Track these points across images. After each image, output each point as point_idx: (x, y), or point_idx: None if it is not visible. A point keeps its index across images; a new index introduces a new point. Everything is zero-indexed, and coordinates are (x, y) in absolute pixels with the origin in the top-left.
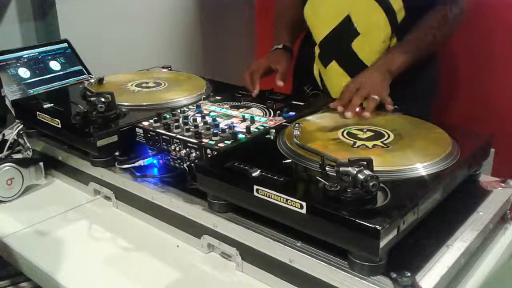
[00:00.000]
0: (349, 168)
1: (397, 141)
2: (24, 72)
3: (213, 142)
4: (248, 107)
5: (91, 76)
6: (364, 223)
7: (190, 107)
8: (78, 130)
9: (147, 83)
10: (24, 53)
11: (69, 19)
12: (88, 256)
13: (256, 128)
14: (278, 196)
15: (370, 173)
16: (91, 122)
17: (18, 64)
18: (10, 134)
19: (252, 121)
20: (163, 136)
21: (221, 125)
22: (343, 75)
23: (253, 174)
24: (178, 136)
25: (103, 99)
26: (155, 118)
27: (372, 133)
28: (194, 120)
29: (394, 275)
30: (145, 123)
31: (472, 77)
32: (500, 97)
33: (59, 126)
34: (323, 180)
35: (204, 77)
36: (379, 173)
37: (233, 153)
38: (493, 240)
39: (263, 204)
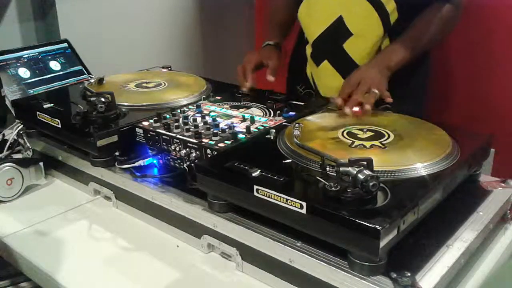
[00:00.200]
0: (349, 168)
1: (397, 141)
2: (24, 72)
3: (213, 142)
4: (248, 107)
5: (91, 76)
6: (364, 223)
7: (190, 107)
8: (78, 130)
9: (147, 83)
10: (24, 53)
11: (69, 19)
12: (88, 256)
13: (256, 128)
14: (278, 196)
15: (370, 173)
16: (91, 122)
17: (18, 64)
18: (10, 134)
19: (252, 121)
20: (163, 136)
21: (221, 125)
22: (334, 75)
23: (253, 174)
24: (178, 136)
25: (103, 99)
26: (155, 118)
27: (372, 133)
28: (194, 120)
29: (394, 275)
30: (145, 123)
31: (472, 77)
32: (500, 97)
33: (59, 126)
34: (323, 180)
35: (204, 77)
36: (379, 173)
37: (233, 153)
38: (493, 240)
39: (263, 204)
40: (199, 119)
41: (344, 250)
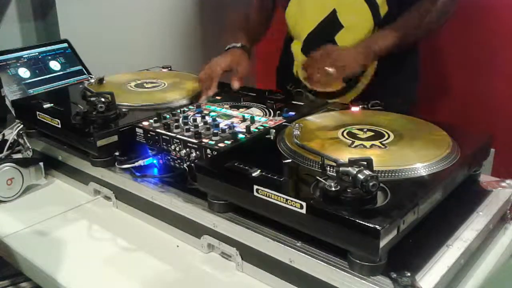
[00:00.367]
0: (349, 168)
1: (397, 141)
2: (24, 72)
3: (213, 142)
4: (248, 107)
5: (91, 76)
6: (364, 223)
7: (190, 107)
8: (78, 130)
9: (147, 83)
10: (24, 53)
11: (69, 19)
12: (88, 256)
13: (256, 128)
14: (278, 196)
15: (370, 173)
16: (91, 122)
17: (18, 64)
18: (10, 134)
19: (252, 121)
20: (163, 136)
21: (221, 125)
22: None
23: (253, 174)
24: (178, 136)
25: (103, 99)
26: (155, 118)
27: (373, 133)
28: (194, 120)
29: (394, 275)
30: (145, 123)
31: (472, 77)
32: (500, 96)
33: (59, 126)
34: (323, 180)
35: None
36: (379, 173)
37: (233, 153)
38: (493, 240)
39: (263, 204)
40: (199, 119)
41: (344, 250)
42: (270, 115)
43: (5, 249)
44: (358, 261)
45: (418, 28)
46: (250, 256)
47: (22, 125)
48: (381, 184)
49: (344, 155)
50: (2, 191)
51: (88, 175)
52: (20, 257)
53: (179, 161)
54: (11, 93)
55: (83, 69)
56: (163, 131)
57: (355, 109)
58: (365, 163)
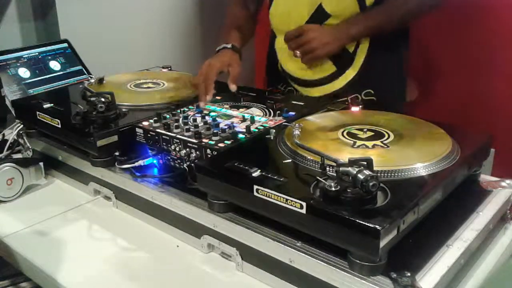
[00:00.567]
0: (349, 168)
1: (397, 141)
2: (24, 72)
3: (213, 142)
4: (248, 107)
5: (91, 76)
6: (364, 223)
7: (190, 107)
8: (78, 130)
9: (147, 83)
10: (24, 53)
11: (69, 19)
12: (88, 256)
13: (256, 128)
14: (278, 196)
15: (370, 173)
16: (91, 122)
17: (18, 64)
18: (10, 134)
19: (252, 121)
20: (163, 136)
21: (221, 125)
22: None
23: (253, 174)
24: (178, 136)
25: (103, 99)
26: (155, 118)
27: (372, 133)
28: (194, 120)
29: (394, 275)
30: (145, 123)
31: (472, 77)
32: (500, 96)
33: (59, 126)
34: (323, 180)
35: None
36: (379, 173)
37: (233, 153)
38: (493, 240)
39: (263, 204)
40: (199, 119)
41: (344, 250)
42: (270, 115)
43: (5, 249)
44: (358, 261)
45: (399, 12)
46: (250, 256)
47: (22, 125)
48: (381, 184)
49: (346, 155)
50: (2, 191)
51: (88, 175)
52: (20, 257)
53: (179, 161)
54: (11, 93)
55: (83, 69)
56: (163, 131)
57: (355, 109)
58: (365, 163)
